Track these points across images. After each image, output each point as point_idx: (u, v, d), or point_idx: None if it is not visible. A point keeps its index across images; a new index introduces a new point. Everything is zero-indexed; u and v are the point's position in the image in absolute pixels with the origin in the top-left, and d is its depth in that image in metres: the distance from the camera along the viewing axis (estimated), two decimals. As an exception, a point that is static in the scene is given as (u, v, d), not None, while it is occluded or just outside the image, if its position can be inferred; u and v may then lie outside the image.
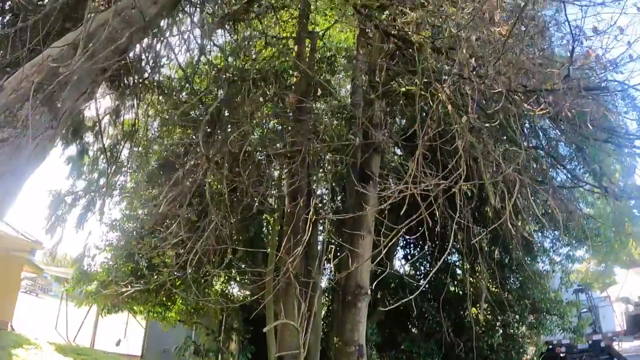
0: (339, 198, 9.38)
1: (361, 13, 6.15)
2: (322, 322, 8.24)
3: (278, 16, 7.37)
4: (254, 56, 7.12)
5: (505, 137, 6.71)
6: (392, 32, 5.71)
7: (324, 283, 9.20)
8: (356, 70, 7.70)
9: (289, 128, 6.76)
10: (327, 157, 7.07)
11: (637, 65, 4.89)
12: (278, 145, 6.44)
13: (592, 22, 4.88)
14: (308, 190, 7.13)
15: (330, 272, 8.84)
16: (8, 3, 5.79)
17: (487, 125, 4.97)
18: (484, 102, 5.29)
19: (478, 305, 9.45)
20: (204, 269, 7.00)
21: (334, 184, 8.19)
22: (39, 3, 5.38)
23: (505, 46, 4.50)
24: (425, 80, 5.16)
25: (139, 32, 3.77)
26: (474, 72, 4.95)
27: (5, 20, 5.59)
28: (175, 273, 6.70)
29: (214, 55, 7.65)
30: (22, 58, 4.05)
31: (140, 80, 5.79)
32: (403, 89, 6.52)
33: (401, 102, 7.03)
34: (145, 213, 8.32)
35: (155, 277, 7.37)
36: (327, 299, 9.81)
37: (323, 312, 9.00)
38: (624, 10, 4.50)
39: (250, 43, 6.76)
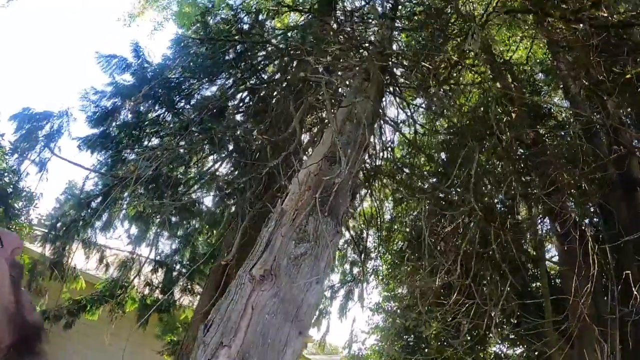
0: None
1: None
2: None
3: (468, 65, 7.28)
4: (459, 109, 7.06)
5: None
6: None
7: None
8: (565, 78, 6.96)
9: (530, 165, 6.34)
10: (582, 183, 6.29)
11: None
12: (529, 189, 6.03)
13: None
14: (573, 222, 6.47)
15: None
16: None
17: None
18: None
19: None
20: (476, 333, 6.70)
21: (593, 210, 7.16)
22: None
23: None
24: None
25: (372, 119, 4.11)
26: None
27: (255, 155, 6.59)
28: (450, 341, 6.52)
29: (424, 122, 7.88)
30: (283, 185, 4.67)
31: (371, 169, 6.20)
32: (629, 75, 5.60)
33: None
34: (406, 292, 8.53)
35: (426, 350, 7.30)
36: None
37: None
38: None
39: (455, 97, 6.73)
